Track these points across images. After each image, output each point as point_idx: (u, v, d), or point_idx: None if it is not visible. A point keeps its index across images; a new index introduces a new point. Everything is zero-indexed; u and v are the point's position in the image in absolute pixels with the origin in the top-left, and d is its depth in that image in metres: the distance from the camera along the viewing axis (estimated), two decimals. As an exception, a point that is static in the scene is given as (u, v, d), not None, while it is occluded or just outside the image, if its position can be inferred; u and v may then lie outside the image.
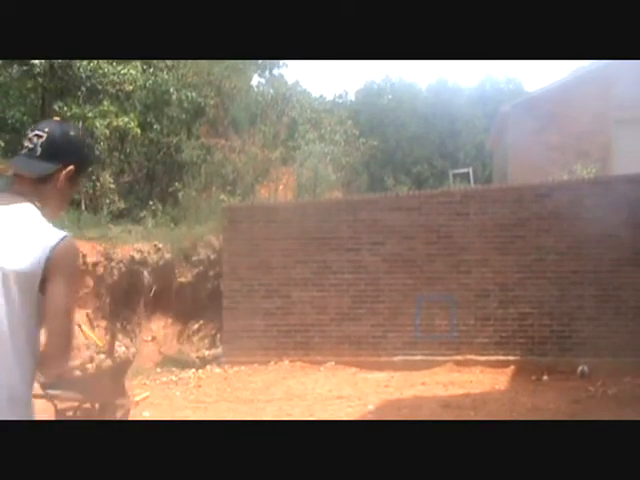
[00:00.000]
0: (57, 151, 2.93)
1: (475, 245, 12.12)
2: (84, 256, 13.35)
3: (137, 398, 9.58)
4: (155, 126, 20.55)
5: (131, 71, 18.77)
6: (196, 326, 14.56)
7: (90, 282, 13.70)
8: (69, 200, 3.13)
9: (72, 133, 3.03)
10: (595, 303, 11.78)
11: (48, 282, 2.73)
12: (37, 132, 2.95)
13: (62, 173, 2.94)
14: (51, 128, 2.97)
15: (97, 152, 18.79)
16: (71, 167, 2.96)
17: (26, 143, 2.94)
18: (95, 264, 13.88)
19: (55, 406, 4.16)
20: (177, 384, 11.59)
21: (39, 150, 2.91)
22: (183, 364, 13.08)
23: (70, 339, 2.81)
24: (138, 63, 19.10)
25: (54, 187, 2.94)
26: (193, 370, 12.51)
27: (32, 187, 2.90)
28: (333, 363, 12.15)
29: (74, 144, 3.01)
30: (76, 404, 7.04)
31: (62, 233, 2.80)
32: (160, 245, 14.73)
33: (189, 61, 21.02)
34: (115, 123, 18.14)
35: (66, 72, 18.73)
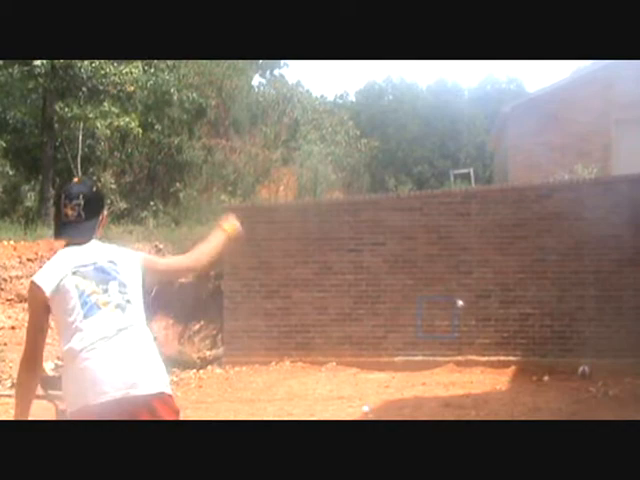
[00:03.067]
0: (94, 207, 3.69)
1: (476, 245, 12.11)
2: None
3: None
4: (156, 126, 20.57)
5: (133, 70, 18.76)
6: (197, 326, 14.54)
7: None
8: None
9: (94, 189, 3.80)
10: (596, 303, 11.77)
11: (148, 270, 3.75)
12: (75, 202, 3.63)
13: (102, 219, 3.76)
14: (83, 192, 3.67)
15: (98, 153, 18.83)
16: (105, 212, 3.81)
17: (70, 212, 3.62)
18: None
19: (56, 406, 4.17)
20: (178, 384, 11.58)
21: (83, 215, 3.63)
22: (184, 364, 13.07)
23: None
24: (139, 63, 19.09)
25: (99, 228, 3.75)
26: (194, 370, 12.50)
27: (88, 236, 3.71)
28: (334, 363, 12.15)
29: (100, 196, 3.84)
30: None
31: (139, 252, 3.84)
32: (161, 245, 14.73)
33: (190, 62, 21.03)
34: (116, 123, 18.13)
35: (67, 73, 18.74)
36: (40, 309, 3.52)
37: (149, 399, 3.41)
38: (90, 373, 3.36)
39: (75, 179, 3.93)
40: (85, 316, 3.44)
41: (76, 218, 3.62)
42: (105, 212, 3.81)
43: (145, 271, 3.72)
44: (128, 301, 3.53)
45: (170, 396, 3.55)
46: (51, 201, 19.27)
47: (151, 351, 3.60)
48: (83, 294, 3.47)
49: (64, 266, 3.53)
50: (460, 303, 11.84)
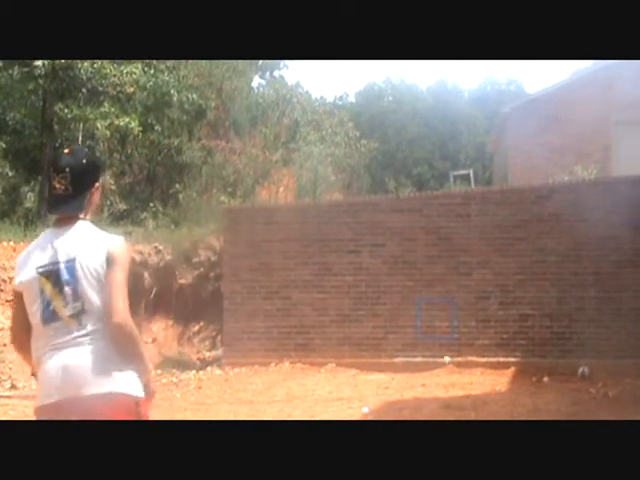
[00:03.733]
0: (84, 181, 3.57)
1: (476, 247, 12.11)
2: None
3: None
4: (156, 127, 20.56)
5: (133, 70, 18.76)
6: (197, 328, 14.55)
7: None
8: (100, 200, 3.94)
9: (85, 160, 3.62)
10: (596, 305, 11.77)
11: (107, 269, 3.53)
12: (62, 174, 3.52)
13: (93, 192, 3.64)
14: (70, 165, 3.55)
15: (98, 153, 18.80)
16: (97, 184, 3.67)
17: (57, 185, 3.53)
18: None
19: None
20: (177, 386, 11.58)
21: (70, 188, 3.52)
22: (184, 366, 13.07)
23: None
24: (139, 64, 19.09)
25: (90, 202, 3.64)
26: (194, 372, 12.50)
27: (76, 211, 3.60)
28: (334, 365, 12.14)
29: (91, 168, 3.66)
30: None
31: (114, 239, 3.59)
32: (161, 247, 14.72)
33: (190, 63, 21.03)
34: (116, 123, 18.13)
35: (67, 74, 18.74)
36: (16, 292, 3.65)
37: (93, 400, 3.41)
38: (45, 376, 3.50)
39: (66, 149, 3.74)
40: (45, 322, 3.51)
41: (63, 192, 3.54)
42: (97, 185, 3.68)
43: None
44: (83, 311, 3.49)
45: (124, 395, 3.47)
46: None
47: (102, 357, 3.49)
48: (45, 299, 3.51)
49: (34, 259, 3.56)
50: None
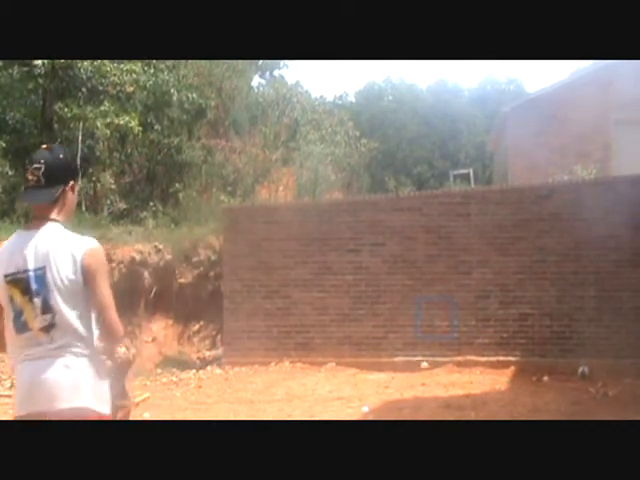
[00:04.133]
0: (57, 175, 3.53)
1: (475, 246, 12.11)
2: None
3: (138, 399, 9.57)
4: (156, 127, 20.54)
5: (133, 68, 18.75)
6: (197, 327, 14.54)
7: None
8: (75, 205, 3.77)
9: (62, 156, 3.61)
10: (595, 304, 11.77)
11: (87, 283, 3.46)
12: (35, 165, 3.50)
13: (66, 190, 3.58)
14: (45, 158, 3.54)
15: (97, 153, 18.79)
16: (71, 182, 3.61)
17: (30, 177, 3.51)
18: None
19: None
20: (178, 385, 11.58)
21: (43, 180, 3.49)
22: (184, 365, 13.07)
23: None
24: (139, 64, 19.08)
25: (63, 202, 3.58)
26: (194, 371, 12.50)
27: (47, 208, 3.54)
28: (334, 364, 12.14)
29: (66, 164, 3.63)
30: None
31: (86, 244, 3.50)
32: (160, 246, 14.72)
33: (190, 62, 21.02)
34: (116, 122, 18.12)
35: (67, 73, 18.73)
36: None
37: (62, 415, 3.38)
38: (18, 387, 3.52)
39: (44, 146, 3.74)
40: (17, 331, 3.48)
41: (35, 183, 3.50)
42: (73, 184, 3.63)
43: (84, 277, 3.48)
44: (52, 324, 3.43)
45: (92, 411, 3.44)
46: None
47: (72, 372, 3.44)
48: (16, 308, 3.47)
49: (3, 266, 3.50)
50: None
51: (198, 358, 13.62)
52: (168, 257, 14.63)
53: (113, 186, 18.52)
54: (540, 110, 18.79)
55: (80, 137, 17.86)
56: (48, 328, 3.43)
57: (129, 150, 20.36)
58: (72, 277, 3.44)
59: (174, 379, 11.99)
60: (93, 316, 3.53)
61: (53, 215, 3.54)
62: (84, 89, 18.97)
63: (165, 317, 14.60)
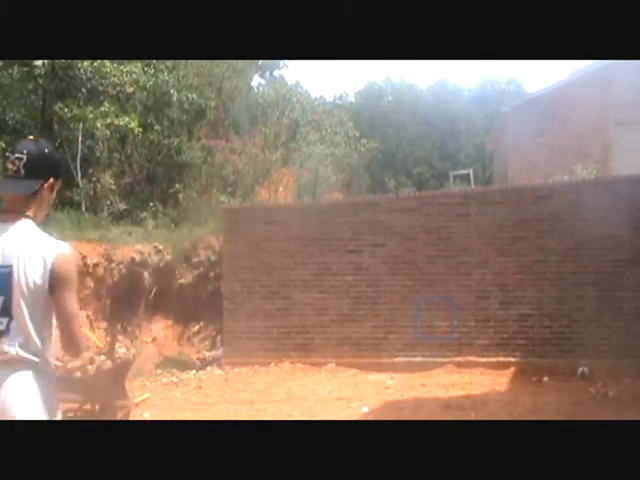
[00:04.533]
0: (38, 168, 3.37)
1: (475, 246, 12.11)
2: (84, 257, 13.34)
3: (137, 399, 9.58)
4: (156, 127, 20.53)
5: (133, 69, 18.75)
6: (196, 327, 14.55)
7: (90, 283, 13.67)
8: (51, 205, 3.61)
9: (47, 150, 3.46)
10: (595, 304, 11.77)
11: (54, 290, 3.26)
12: (17, 155, 3.35)
13: (45, 186, 3.42)
14: (29, 149, 3.39)
15: (97, 154, 18.79)
16: (51, 179, 3.44)
17: (9, 166, 3.35)
18: (95, 265, 13.86)
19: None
20: (177, 385, 11.58)
21: (22, 171, 3.34)
22: (183, 365, 13.08)
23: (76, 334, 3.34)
24: (139, 64, 19.08)
25: (41, 199, 3.42)
26: (193, 371, 12.50)
27: (22, 202, 3.37)
28: (333, 364, 12.14)
29: (50, 159, 3.46)
30: (77, 405, 7.04)
31: (58, 249, 3.31)
32: (160, 246, 14.72)
33: (189, 62, 21.01)
34: (116, 122, 18.12)
35: (67, 73, 18.72)
36: None
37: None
38: None
39: (31, 137, 3.60)
40: None
41: (14, 173, 3.34)
42: (53, 181, 3.45)
43: (52, 284, 3.29)
44: (7, 330, 3.23)
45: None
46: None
47: (21, 385, 3.26)
48: None
49: None
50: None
51: (198, 359, 13.63)
52: (168, 258, 14.64)
53: (113, 186, 18.51)
54: (540, 110, 18.79)
55: (80, 138, 17.86)
56: (4, 331, 3.24)
57: (129, 150, 20.35)
58: (39, 282, 3.25)
59: (174, 379, 11.99)
60: (52, 327, 3.34)
61: (28, 211, 3.38)
62: (84, 89, 18.96)
63: (165, 318, 14.61)
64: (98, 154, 18.99)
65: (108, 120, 17.98)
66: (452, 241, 12.19)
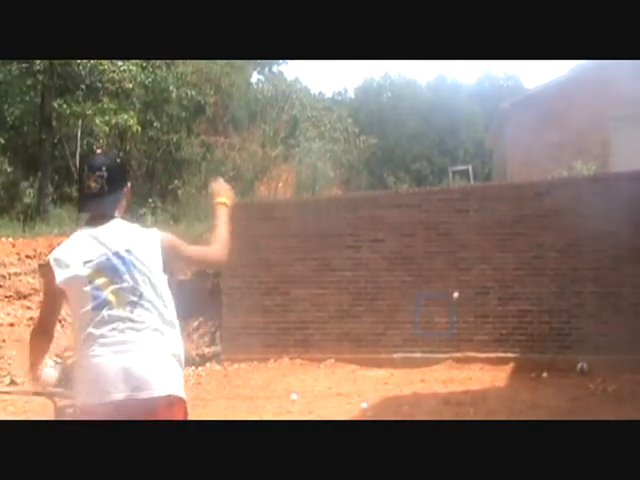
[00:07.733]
0: (117, 181, 3.58)
1: (474, 242, 12.11)
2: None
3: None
4: (155, 124, 20.56)
5: (131, 67, 18.75)
6: (195, 324, 14.53)
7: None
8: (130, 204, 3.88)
9: (117, 161, 3.74)
10: (595, 300, 11.77)
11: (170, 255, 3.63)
12: (98, 173, 3.52)
13: (126, 193, 3.67)
14: (106, 164, 3.56)
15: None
16: (129, 184, 3.71)
17: (93, 184, 3.52)
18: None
19: (55, 403, 4.20)
20: (177, 382, 11.58)
21: (107, 188, 3.52)
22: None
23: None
24: (138, 61, 19.09)
25: (123, 204, 3.66)
26: (193, 367, 12.50)
27: (110, 209, 3.60)
28: (333, 360, 12.15)
29: (124, 168, 3.82)
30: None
31: (154, 231, 3.67)
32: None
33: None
34: (114, 120, 18.13)
35: (66, 70, 18.73)
36: (52, 290, 3.49)
37: (152, 402, 3.31)
38: (95, 371, 3.34)
39: (98, 150, 4.11)
40: (95, 312, 3.37)
41: (99, 191, 3.51)
42: (129, 185, 3.70)
43: (168, 256, 3.60)
44: (140, 297, 3.41)
45: (180, 399, 3.42)
46: (49, 198, 19.29)
47: (161, 352, 3.41)
48: (95, 288, 3.39)
49: (78, 255, 3.44)
50: (456, 295, 11.88)
51: (197, 355, 13.61)
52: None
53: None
54: (539, 106, 18.80)
55: (79, 134, 17.86)
56: (133, 308, 3.40)
57: (128, 147, 20.36)
58: (154, 261, 3.52)
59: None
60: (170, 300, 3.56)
61: (115, 214, 3.60)
62: (83, 86, 18.97)
63: (164, 314, 14.59)
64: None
65: (107, 117, 17.99)
66: (451, 237, 12.19)
